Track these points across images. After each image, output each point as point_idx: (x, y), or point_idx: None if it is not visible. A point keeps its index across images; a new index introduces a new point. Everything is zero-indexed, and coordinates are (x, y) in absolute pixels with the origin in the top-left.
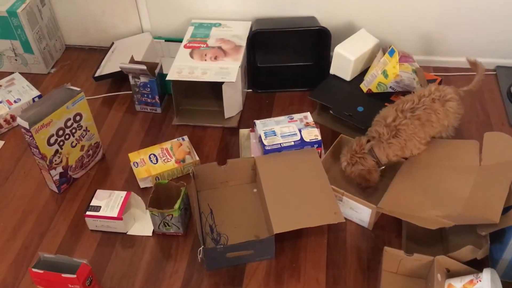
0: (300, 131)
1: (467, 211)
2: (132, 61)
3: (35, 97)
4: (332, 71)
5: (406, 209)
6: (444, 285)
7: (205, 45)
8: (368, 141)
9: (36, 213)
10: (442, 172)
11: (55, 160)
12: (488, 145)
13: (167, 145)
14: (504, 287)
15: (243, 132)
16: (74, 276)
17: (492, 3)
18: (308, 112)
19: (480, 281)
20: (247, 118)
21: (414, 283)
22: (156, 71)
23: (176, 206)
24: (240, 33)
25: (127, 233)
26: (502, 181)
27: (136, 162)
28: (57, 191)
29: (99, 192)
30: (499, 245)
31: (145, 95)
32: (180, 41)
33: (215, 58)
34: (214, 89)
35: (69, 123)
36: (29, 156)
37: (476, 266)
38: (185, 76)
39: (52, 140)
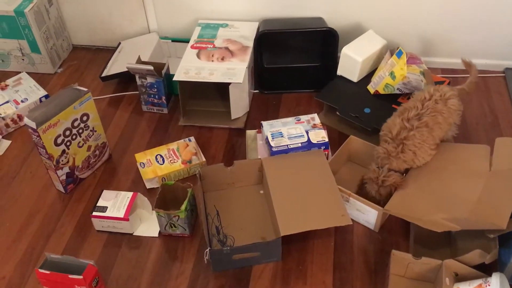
0: (307, 132)
1: (475, 215)
2: (139, 61)
3: (42, 97)
4: (339, 72)
5: (413, 212)
6: None
7: (212, 46)
8: (378, 167)
9: (42, 213)
10: (451, 176)
11: (62, 160)
12: (499, 150)
13: (173, 145)
14: None
15: (250, 133)
16: (81, 277)
17: (501, 5)
18: (315, 114)
19: (489, 285)
20: (254, 119)
21: (422, 287)
22: (163, 71)
23: (183, 207)
24: (247, 33)
25: (133, 234)
26: (511, 187)
27: (143, 163)
28: (63, 191)
29: (105, 193)
30: (507, 248)
31: (152, 96)
32: (187, 41)
33: (222, 58)
34: (220, 90)
35: (76, 123)
36: (36, 156)
37: (484, 269)
38: (192, 77)
39: (59, 140)
